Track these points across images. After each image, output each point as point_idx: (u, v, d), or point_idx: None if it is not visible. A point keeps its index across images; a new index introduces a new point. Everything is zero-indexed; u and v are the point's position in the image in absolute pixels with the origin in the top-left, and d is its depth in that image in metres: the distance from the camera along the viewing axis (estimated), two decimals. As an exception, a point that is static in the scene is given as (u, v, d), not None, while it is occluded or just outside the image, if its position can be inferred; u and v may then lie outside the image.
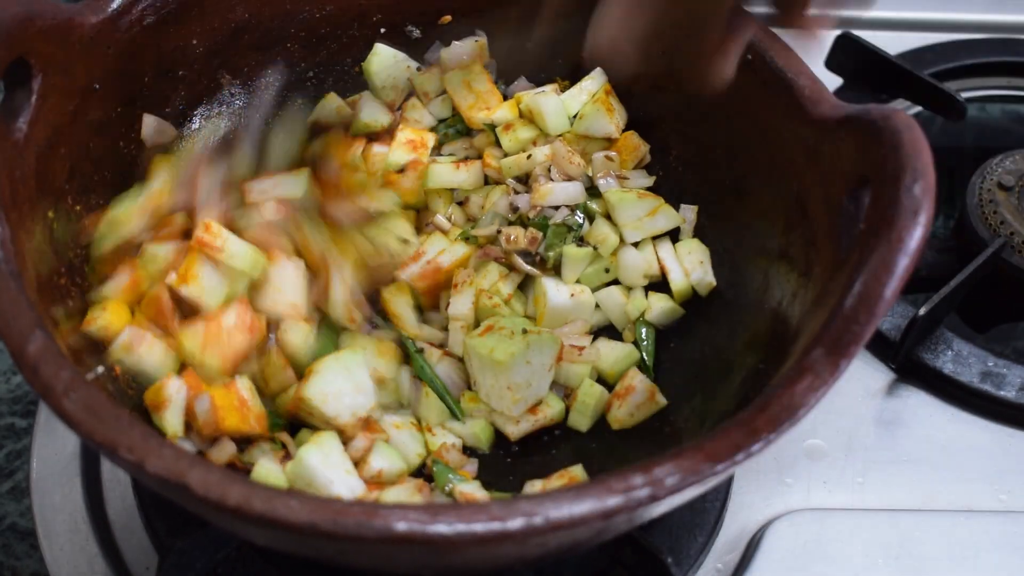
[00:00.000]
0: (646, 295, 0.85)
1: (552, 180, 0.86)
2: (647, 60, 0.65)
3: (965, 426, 0.87)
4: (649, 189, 0.88)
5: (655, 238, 0.86)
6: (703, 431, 0.73)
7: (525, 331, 0.78)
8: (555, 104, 0.88)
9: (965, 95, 1.10)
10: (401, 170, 0.89)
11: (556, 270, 0.85)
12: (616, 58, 0.67)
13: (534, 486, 0.75)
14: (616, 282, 0.86)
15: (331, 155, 0.87)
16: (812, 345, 0.59)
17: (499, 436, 0.81)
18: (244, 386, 0.75)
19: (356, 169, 0.88)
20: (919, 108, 1.09)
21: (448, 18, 0.92)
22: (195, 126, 0.87)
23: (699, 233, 0.85)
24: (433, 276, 0.85)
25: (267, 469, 0.72)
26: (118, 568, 0.78)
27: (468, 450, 0.80)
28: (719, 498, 0.80)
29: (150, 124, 0.83)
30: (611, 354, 0.83)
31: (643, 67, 0.66)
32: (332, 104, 0.92)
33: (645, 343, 0.83)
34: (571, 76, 0.92)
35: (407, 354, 0.83)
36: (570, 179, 0.87)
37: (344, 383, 0.75)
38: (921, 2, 1.23)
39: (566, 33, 0.80)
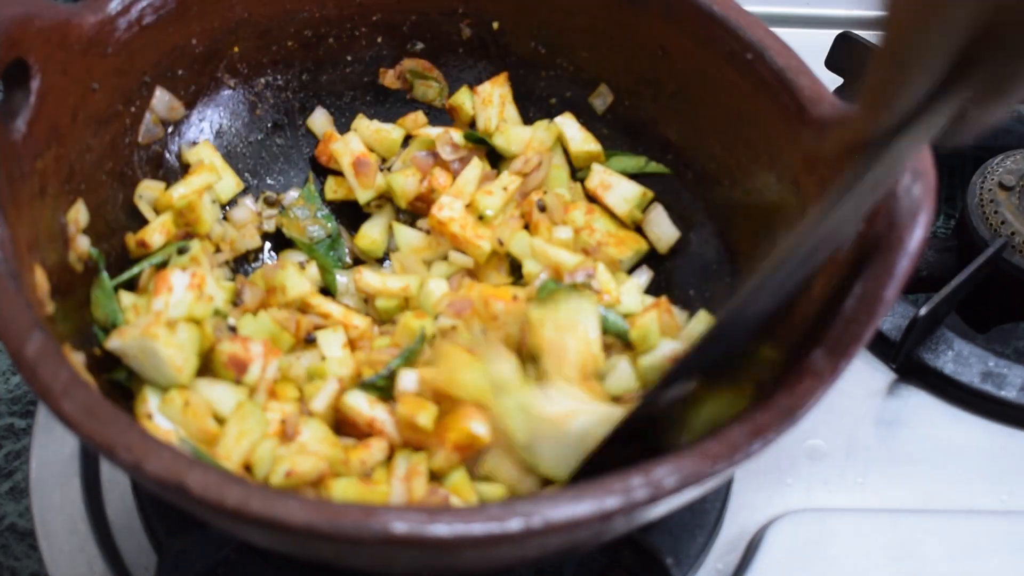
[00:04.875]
0: None
1: None
2: None
3: (966, 426, 0.87)
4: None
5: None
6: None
7: None
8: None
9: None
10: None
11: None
12: None
13: None
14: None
15: None
16: (812, 345, 0.59)
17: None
18: None
19: None
20: (919, 108, 1.09)
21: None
22: (195, 126, 0.87)
23: (697, 235, 0.86)
24: None
25: None
26: (117, 569, 0.78)
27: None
28: (719, 498, 0.80)
29: (162, 99, 0.82)
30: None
31: None
32: None
33: None
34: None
35: None
36: None
37: None
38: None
39: None
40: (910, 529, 0.80)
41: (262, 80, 0.91)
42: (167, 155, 0.86)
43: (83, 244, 0.75)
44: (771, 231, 0.76)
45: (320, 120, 0.94)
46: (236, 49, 0.88)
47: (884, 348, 0.90)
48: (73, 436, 0.81)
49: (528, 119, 0.93)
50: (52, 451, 0.83)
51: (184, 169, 0.87)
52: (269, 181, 0.92)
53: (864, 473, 0.84)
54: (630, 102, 0.89)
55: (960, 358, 0.89)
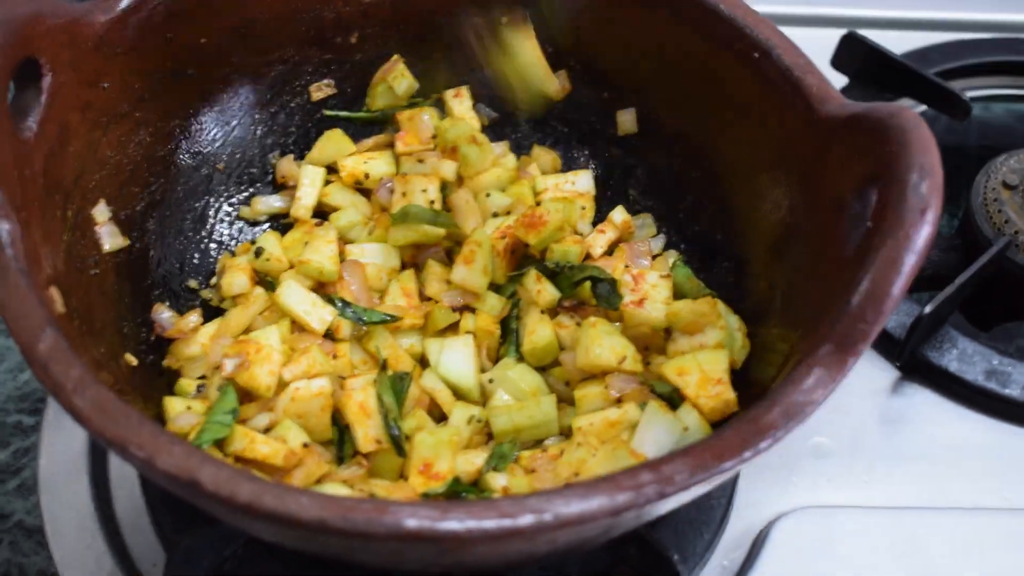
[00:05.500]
0: None
1: None
2: None
3: (970, 424, 0.87)
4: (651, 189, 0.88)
5: None
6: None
7: None
8: None
9: (970, 94, 1.10)
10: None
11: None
12: None
13: None
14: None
15: None
16: (819, 343, 0.59)
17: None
18: None
19: None
20: (924, 107, 1.09)
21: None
22: (204, 125, 0.88)
23: (705, 234, 0.86)
24: None
25: None
26: (125, 565, 0.78)
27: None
28: (725, 495, 0.80)
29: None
30: None
31: None
32: None
33: None
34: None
35: None
36: None
37: None
38: (927, 1, 1.23)
39: None
40: (914, 526, 0.80)
41: (271, 79, 0.91)
42: (179, 156, 0.86)
43: (104, 239, 0.76)
44: (777, 227, 0.76)
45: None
46: (245, 49, 0.88)
47: (889, 346, 0.91)
48: (82, 433, 0.82)
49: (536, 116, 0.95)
50: (60, 448, 0.84)
51: (189, 169, 0.87)
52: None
53: (869, 470, 0.84)
54: (638, 100, 0.90)
55: (964, 356, 0.89)
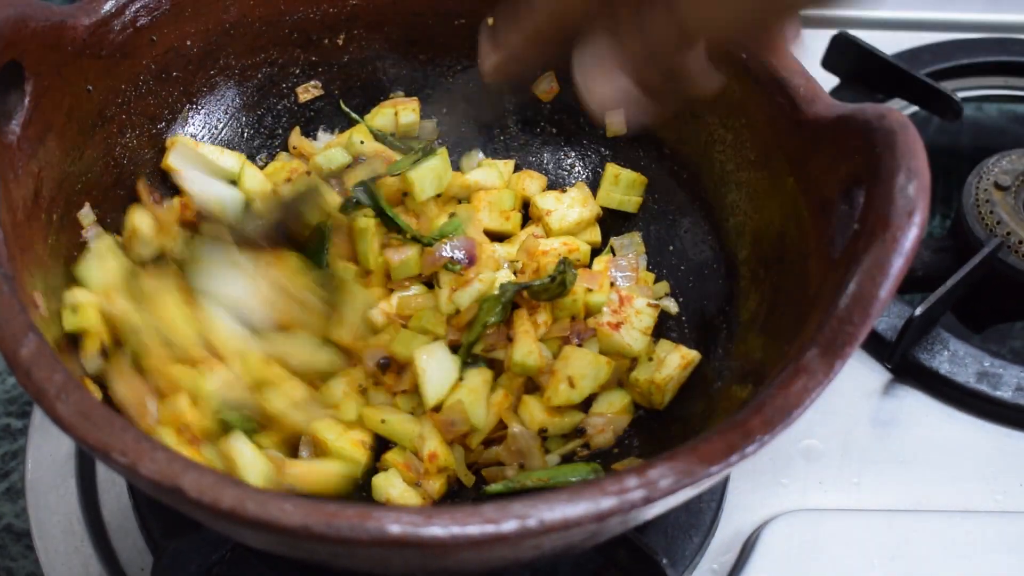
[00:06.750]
0: None
1: None
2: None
3: (961, 426, 0.87)
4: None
5: None
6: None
7: None
8: None
9: (962, 95, 1.10)
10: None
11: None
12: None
13: None
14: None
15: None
16: (807, 345, 0.59)
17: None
18: None
19: None
20: (915, 108, 1.09)
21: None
22: (190, 128, 0.87)
23: (692, 236, 0.86)
24: None
25: None
26: (113, 569, 0.78)
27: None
28: (715, 498, 0.80)
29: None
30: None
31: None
32: None
33: None
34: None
35: None
36: None
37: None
38: (918, 1, 1.23)
39: None
40: (906, 529, 0.80)
41: (257, 81, 0.91)
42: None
43: (90, 242, 0.77)
44: (764, 229, 0.76)
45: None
46: (231, 50, 0.88)
47: (880, 348, 0.90)
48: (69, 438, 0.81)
49: (525, 119, 0.95)
50: (48, 452, 0.84)
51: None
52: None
53: (860, 473, 0.84)
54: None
55: (956, 358, 0.89)
